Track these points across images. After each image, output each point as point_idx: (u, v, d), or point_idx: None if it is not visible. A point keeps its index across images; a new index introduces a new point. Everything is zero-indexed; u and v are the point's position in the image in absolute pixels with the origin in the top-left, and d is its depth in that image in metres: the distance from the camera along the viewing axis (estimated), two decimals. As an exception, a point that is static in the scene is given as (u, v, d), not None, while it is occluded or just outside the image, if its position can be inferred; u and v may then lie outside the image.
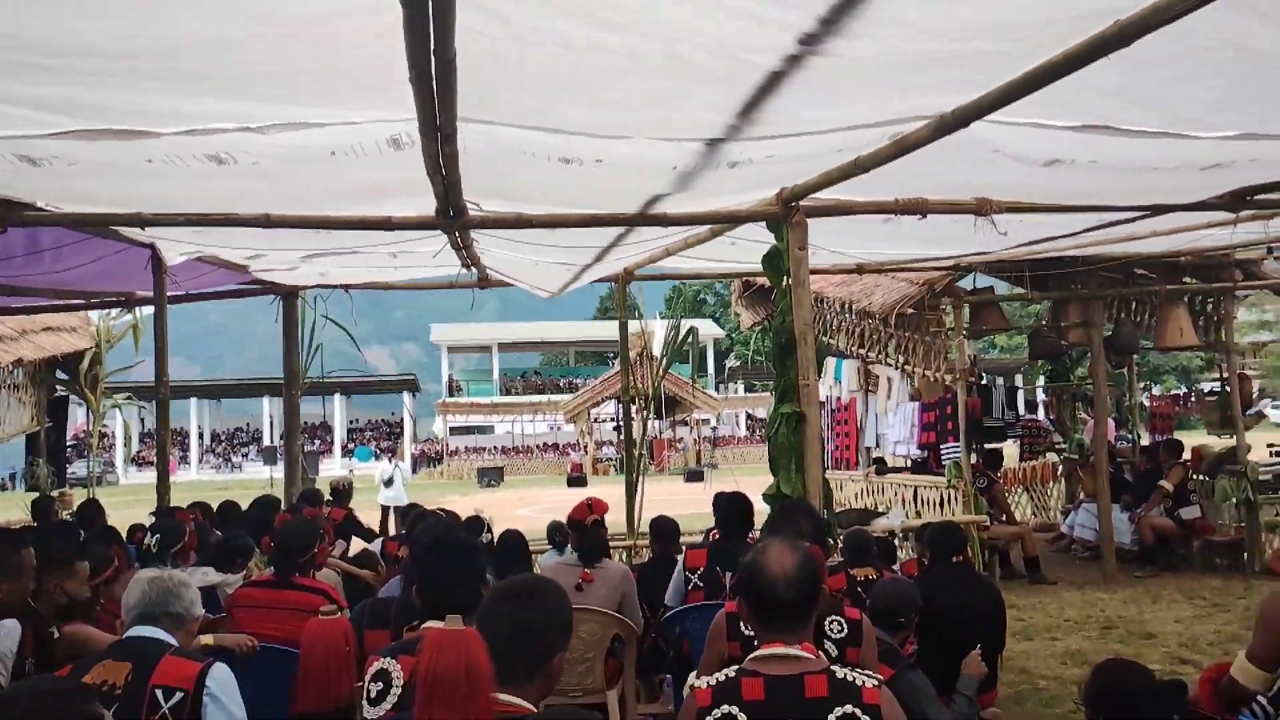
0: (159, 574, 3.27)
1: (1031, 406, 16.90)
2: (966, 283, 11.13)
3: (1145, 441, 13.68)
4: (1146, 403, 15.75)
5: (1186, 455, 11.54)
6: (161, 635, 3.05)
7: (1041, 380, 16.43)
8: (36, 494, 11.35)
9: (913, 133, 4.13)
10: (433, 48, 2.73)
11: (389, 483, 18.78)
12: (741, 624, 3.64)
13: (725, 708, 2.47)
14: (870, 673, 2.59)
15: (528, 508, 24.13)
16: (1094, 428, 11.79)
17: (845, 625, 3.87)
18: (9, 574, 3.96)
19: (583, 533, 5.84)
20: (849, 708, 2.45)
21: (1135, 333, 11.91)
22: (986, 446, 12.38)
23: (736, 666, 2.57)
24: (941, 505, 11.12)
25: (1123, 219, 6.77)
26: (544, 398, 52.08)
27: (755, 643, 2.62)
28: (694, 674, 2.69)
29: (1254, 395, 13.39)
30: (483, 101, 3.45)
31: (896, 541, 8.79)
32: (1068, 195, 5.75)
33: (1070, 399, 14.84)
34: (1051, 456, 14.59)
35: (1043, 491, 14.86)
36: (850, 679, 2.50)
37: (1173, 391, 40.48)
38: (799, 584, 2.57)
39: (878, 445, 14.51)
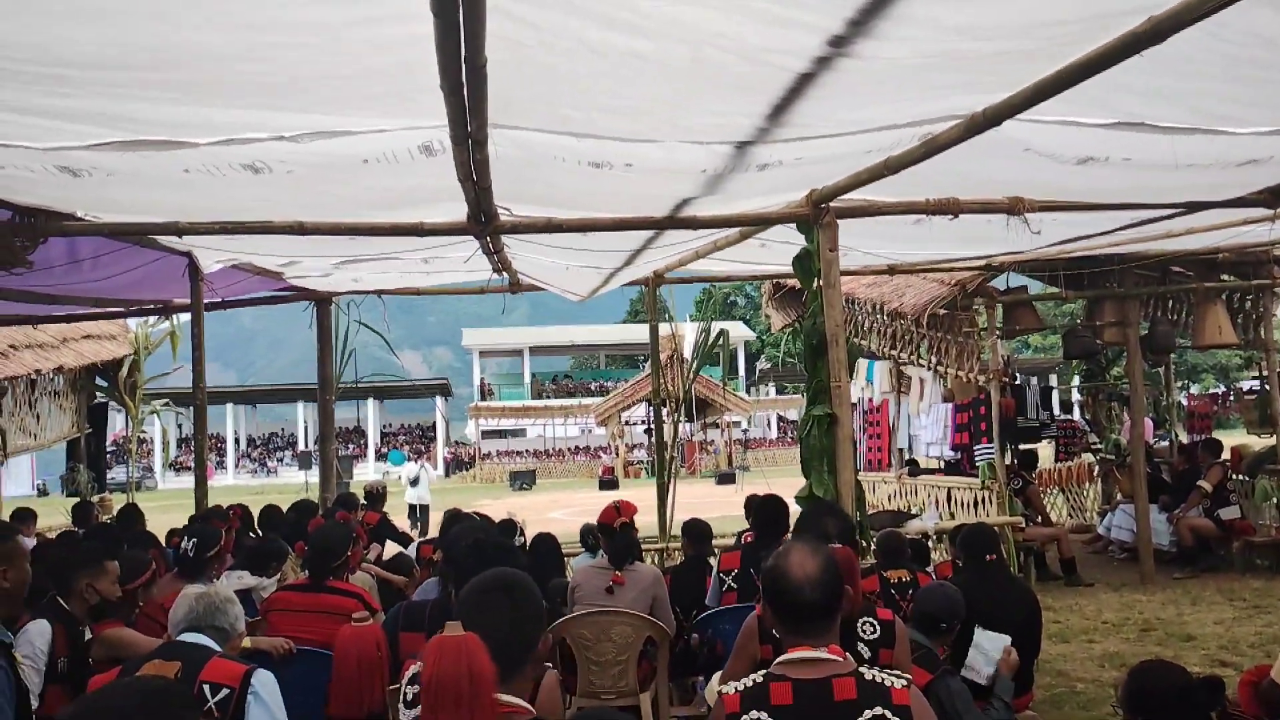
0: (205, 590, 3.38)
1: (1067, 407, 16.74)
2: (999, 282, 11.04)
3: (1184, 441, 13.52)
4: (1184, 402, 15.57)
5: (1225, 455, 11.39)
6: (209, 642, 3.18)
7: (1077, 380, 16.26)
8: (77, 499, 11.54)
9: (943, 133, 4.12)
10: (464, 55, 2.75)
11: (415, 482, 20.47)
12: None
13: (754, 713, 2.45)
14: (899, 673, 2.58)
15: (560, 510, 24.21)
16: (1130, 428, 11.67)
17: (878, 626, 3.85)
18: (5, 560, 3.96)
19: (611, 536, 5.85)
20: (878, 709, 2.43)
21: (1172, 331, 11.76)
22: (1021, 447, 12.27)
23: (764, 671, 2.56)
24: (975, 507, 11.04)
25: (1158, 216, 6.69)
26: (575, 401, 52.22)
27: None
28: (716, 676, 2.68)
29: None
30: (513, 107, 3.48)
31: (930, 543, 8.74)
32: (1101, 193, 5.70)
33: (1106, 399, 14.68)
34: (1087, 457, 14.44)
35: (1079, 493, 14.70)
36: (879, 680, 2.49)
37: (1211, 390, 39.94)
38: (823, 586, 2.57)
39: (910, 447, 14.42)
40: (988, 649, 4.70)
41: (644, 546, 7.81)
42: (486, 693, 2.03)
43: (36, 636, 4.19)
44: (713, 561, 6.75)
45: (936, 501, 12.12)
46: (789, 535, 5.57)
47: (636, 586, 5.61)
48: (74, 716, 1.81)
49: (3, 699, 3.25)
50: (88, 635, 4.40)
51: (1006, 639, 4.74)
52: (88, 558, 4.57)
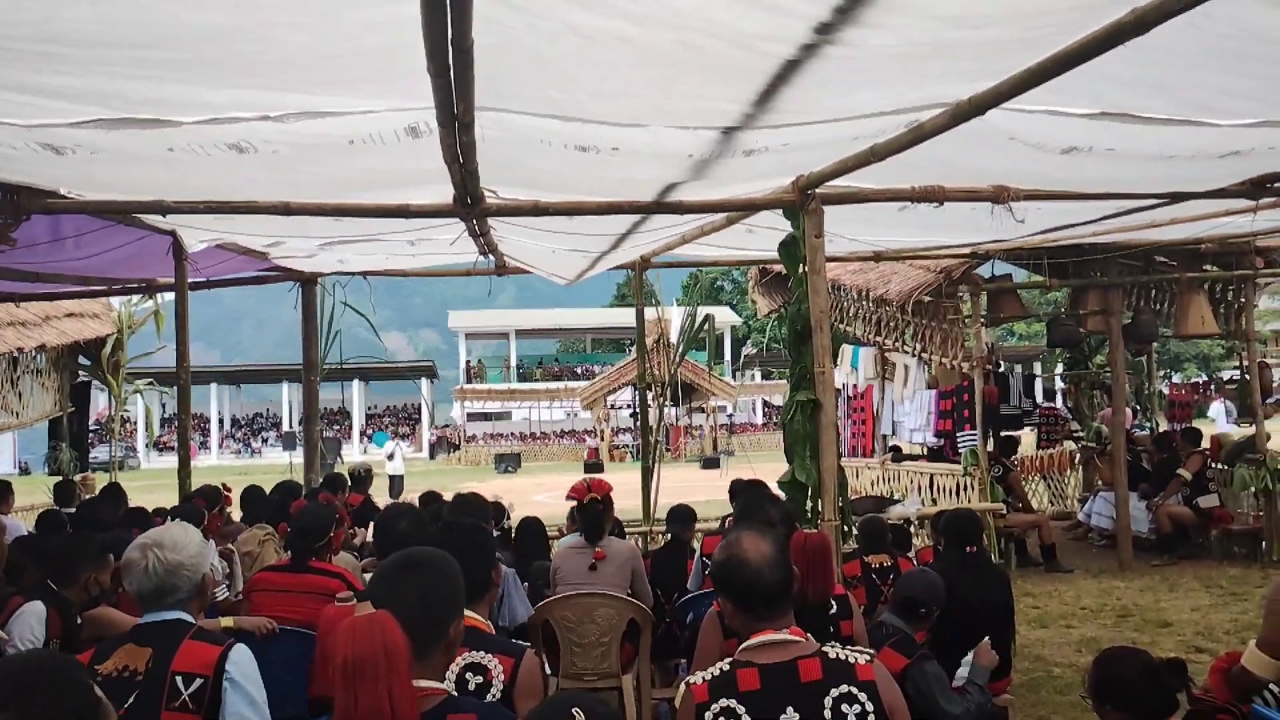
0: (148, 562, 2.91)
1: (1049, 394, 16.80)
2: (985, 270, 11.09)
3: (1163, 430, 13.62)
4: (1166, 391, 15.67)
5: (1205, 444, 11.49)
6: (179, 615, 2.92)
7: (1060, 368, 16.36)
8: (59, 478, 11.49)
9: (929, 120, 4.13)
10: (450, 37, 2.75)
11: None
12: None
13: (723, 701, 2.46)
14: (861, 649, 2.62)
15: (545, 494, 24.20)
16: (1112, 416, 11.76)
17: (834, 602, 4.06)
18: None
19: (584, 511, 5.89)
20: (845, 687, 2.46)
21: (1154, 320, 11.85)
22: (1002, 434, 12.35)
23: (730, 659, 2.57)
24: (958, 493, 11.12)
25: (1141, 206, 6.73)
26: (561, 384, 52.19)
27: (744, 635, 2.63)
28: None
29: (1274, 384, 13.30)
30: (500, 90, 3.47)
31: (912, 529, 8.80)
32: (1086, 183, 5.73)
33: (1089, 387, 14.78)
34: (1069, 445, 14.55)
35: (1060, 480, 14.81)
36: (843, 658, 2.52)
37: (1192, 380, 40.15)
38: (780, 567, 2.61)
39: (894, 433, 14.49)
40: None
41: (627, 530, 7.84)
42: (403, 667, 2.00)
43: (33, 618, 4.21)
44: (695, 545, 6.79)
45: (919, 487, 12.20)
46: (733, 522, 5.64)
47: (615, 562, 5.68)
48: None
49: None
50: (79, 621, 4.42)
51: (984, 640, 4.77)
52: (94, 551, 4.59)
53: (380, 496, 11.91)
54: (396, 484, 25.89)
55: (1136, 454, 12.19)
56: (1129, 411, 13.66)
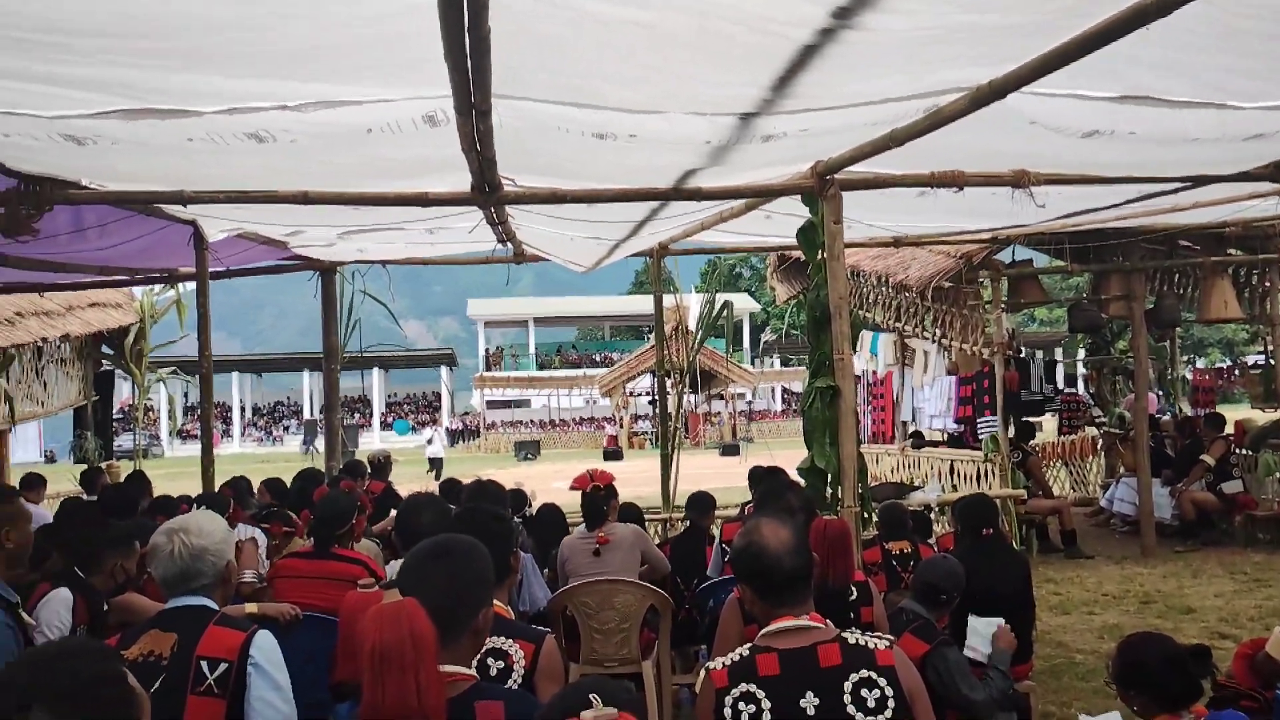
0: (174, 546, 2.95)
1: (1071, 380, 16.71)
2: (1005, 255, 11.03)
3: (1186, 415, 13.52)
4: (1189, 376, 15.56)
5: (1229, 429, 11.40)
6: (203, 601, 2.96)
7: (1081, 353, 16.25)
8: (85, 466, 11.61)
9: (948, 105, 4.10)
10: (467, 24, 2.75)
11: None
12: None
13: (743, 686, 2.47)
14: (881, 634, 2.62)
15: (564, 481, 24.28)
16: (1134, 401, 11.69)
17: (855, 589, 4.11)
18: (8, 522, 3.97)
19: (584, 500, 5.96)
20: (864, 672, 2.47)
21: (1177, 305, 11.75)
22: (1023, 419, 12.29)
23: (750, 644, 2.58)
24: (978, 479, 11.08)
25: (1164, 190, 6.67)
26: (580, 372, 52.25)
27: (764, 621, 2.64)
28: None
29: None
30: (517, 77, 3.47)
31: (932, 515, 8.78)
32: (1107, 166, 5.67)
33: (1111, 373, 14.69)
34: (1091, 430, 14.46)
35: (1082, 466, 14.74)
36: (862, 643, 2.52)
37: (1216, 365, 39.82)
38: (799, 553, 2.61)
39: (913, 419, 14.45)
40: (982, 631, 4.72)
41: (646, 517, 7.87)
42: (430, 655, 2.01)
43: (60, 605, 4.26)
44: (714, 531, 6.80)
45: (939, 474, 12.17)
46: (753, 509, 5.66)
47: (621, 547, 5.73)
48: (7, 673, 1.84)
49: (7, 657, 3.26)
50: (105, 608, 4.47)
51: (1000, 620, 4.75)
52: (120, 538, 4.63)
53: (422, 481, 11.95)
54: (436, 465, 29.12)
55: (1159, 439, 12.11)
56: (1153, 397, 13.57)
